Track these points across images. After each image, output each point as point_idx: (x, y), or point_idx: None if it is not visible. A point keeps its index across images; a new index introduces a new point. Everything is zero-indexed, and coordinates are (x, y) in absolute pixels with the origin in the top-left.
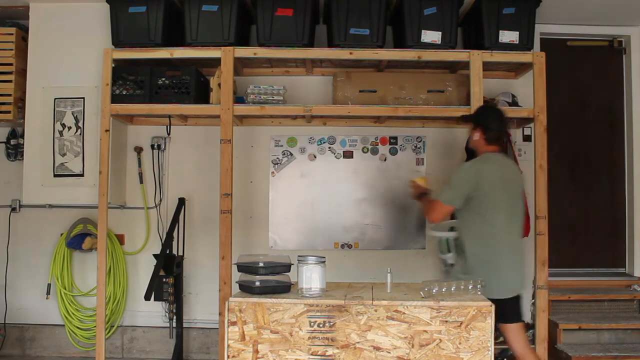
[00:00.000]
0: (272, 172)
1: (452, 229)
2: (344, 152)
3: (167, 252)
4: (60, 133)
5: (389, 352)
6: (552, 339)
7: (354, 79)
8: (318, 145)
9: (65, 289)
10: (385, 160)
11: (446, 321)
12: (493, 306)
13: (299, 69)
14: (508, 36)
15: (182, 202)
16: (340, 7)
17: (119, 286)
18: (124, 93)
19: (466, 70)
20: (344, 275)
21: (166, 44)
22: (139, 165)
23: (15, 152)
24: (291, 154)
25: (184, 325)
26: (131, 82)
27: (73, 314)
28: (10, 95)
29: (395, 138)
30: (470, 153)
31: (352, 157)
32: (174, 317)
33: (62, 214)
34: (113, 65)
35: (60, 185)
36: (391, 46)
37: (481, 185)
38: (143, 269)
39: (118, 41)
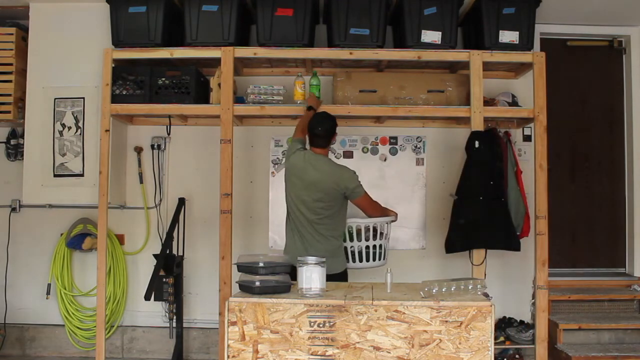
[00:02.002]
0: (272, 172)
1: None
2: (343, 152)
3: (167, 252)
4: (60, 133)
5: (389, 352)
6: (552, 339)
7: (354, 79)
8: None
9: (65, 289)
10: (385, 160)
11: (446, 321)
12: (493, 306)
13: (299, 69)
14: (508, 36)
15: (182, 202)
16: (340, 7)
17: (119, 286)
18: (124, 93)
19: (466, 70)
20: None
21: (166, 44)
22: (139, 165)
23: (15, 152)
24: None
25: (184, 325)
26: (131, 82)
27: (73, 314)
28: (10, 95)
29: (395, 138)
30: (470, 153)
31: (352, 157)
32: (174, 317)
33: (62, 214)
34: (113, 65)
35: (60, 185)
36: (391, 46)
37: None
38: (143, 269)
39: (118, 41)
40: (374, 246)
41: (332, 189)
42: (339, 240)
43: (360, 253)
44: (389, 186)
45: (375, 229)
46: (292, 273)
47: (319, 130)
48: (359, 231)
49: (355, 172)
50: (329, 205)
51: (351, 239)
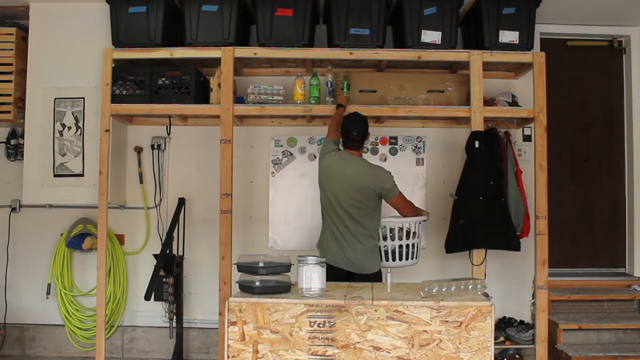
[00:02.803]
0: (272, 172)
1: None
2: None
3: (167, 252)
4: (60, 133)
5: (389, 352)
6: (552, 339)
7: (354, 79)
8: (318, 145)
9: (65, 289)
10: (385, 160)
11: (446, 321)
12: (493, 306)
13: (299, 69)
14: (508, 36)
15: (182, 202)
16: (340, 7)
17: (119, 286)
18: (124, 93)
19: (466, 70)
20: None
21: (166, 44)
22: (139, 165)
23: (15, 152)
24: (291, 154)
25: (184, 325)
26: (131, 82)
27: (73, 314)
28: (10, 95)
29: (395, 138)
30: (470, 153)
31: None
32: (174, 317)
33: (62, 214)
34: (113, 65)
35: (60, 185)
36: (391, 46)
37: None
38: (143, 269)
39: (118, 41)
40: (407, 245)
41: (368, 189)
42: (375, 240)
43: (393, 252)
44: None
45: (408, 229)
46: (332, 276)
47: (354, 134)
48: (392, 230)
49: (390, 173)
50: (365, 206)
51: (384, 239)
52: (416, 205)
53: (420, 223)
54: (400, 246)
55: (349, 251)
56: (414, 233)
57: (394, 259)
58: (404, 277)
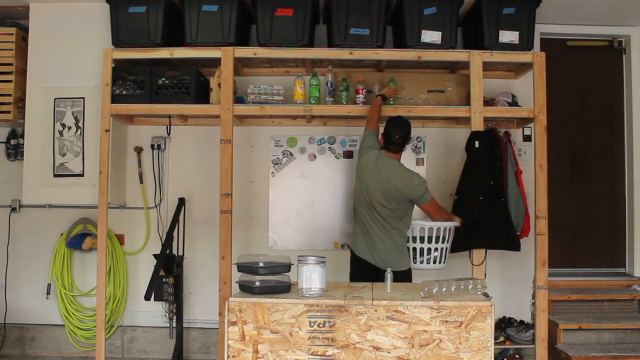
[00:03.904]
0: (272, 172)
1: None
2: (344, 152)
3: (167, 252)
4: (60, 133)
5: (389, 352)
6: (552, 339)
7: (354, 79)
8: (318, 145)
9: (65, 289)
10: None
11: (446, 321)
12: (493, 306)
13: (299, 69)
14: (508, 36)
15: (182, 202)
16: (340, 7)
17: (119, 286)
18: (124, 93)
19: (466, 70)
20: (344, 275)
21: (166, 44)
22: (139, 165)
23: (15, 152)
24: (291, 154)
25: (184, 325)
26: (131, 82)
27: (73, 314)
28: (10, 95)
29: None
30: (470, 153)
31: (352, 157)
32: (174, 317)
33: (62, 214)
34: (113, 65)
35: (60, 185)
36: (391, 46)
37: None
38: (143, 269)
39: (118, 41)
40: (436, 249)
41: (401, 194)
42: (404, 238)
43: (422, 255)
44: None
45: (438, 233)
46: (361, 269)
47: (396, 138)
48: (422, 233)
49: (424, 180)
50: (396, 208)
51: (414, 241)
52: None
53: (449, 228)
54: (429, 249)
55: (379, 246)
56: (444, 237)
57: (422, 262)
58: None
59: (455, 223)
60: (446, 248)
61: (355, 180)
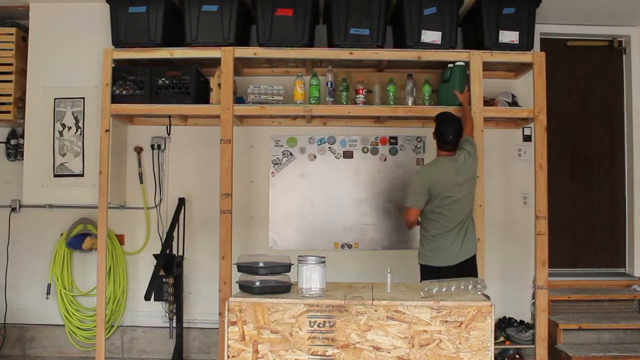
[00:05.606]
0: (272, 172)
1: None
2: (344, 152)
3: (167, 252)
4: (60, 133)
5: (389, 352)
6: (552, 339)
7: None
8: (318, 145)
9: (65, 289)
10: (385, 160)
11: (446, 321)
12: (493, 306)
13: (299, 69)
14: (508, 36)
15: (182, 202)
16: (340, 7)
17: (119, 286)
18: (124, 93)
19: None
20: (344, 275)
21: (166, 44)
22: (139, 165)
23: (15, 152)
24: (291, 154)
25: (184, 325)
26: (131, 82)
27: (73, 314)
28: (10, 95)
29: (395, 138)
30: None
31: (352, 157)
32: (174, 317)
33: (62, 214)
34: (113, 66)
35: (60, 185)
36: (391, 46)
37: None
38: (143, 269)
39: (118, 41)
40: None
41: (474, 177)
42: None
43: None
44: (389, 186)
45: None
46: (433, 273)
47: (450, 137)
48: None
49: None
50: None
51: None
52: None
53: None
54: None
55: (470, 235)
56: None
57: None
58: (405, 277)
59: None
60: None
61: (428, 196)
